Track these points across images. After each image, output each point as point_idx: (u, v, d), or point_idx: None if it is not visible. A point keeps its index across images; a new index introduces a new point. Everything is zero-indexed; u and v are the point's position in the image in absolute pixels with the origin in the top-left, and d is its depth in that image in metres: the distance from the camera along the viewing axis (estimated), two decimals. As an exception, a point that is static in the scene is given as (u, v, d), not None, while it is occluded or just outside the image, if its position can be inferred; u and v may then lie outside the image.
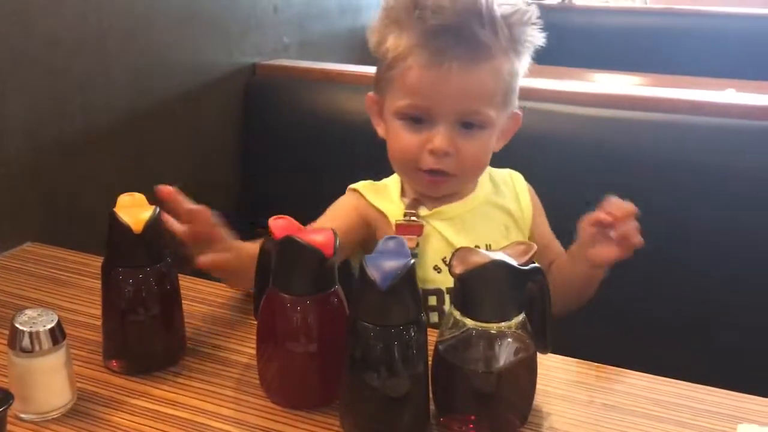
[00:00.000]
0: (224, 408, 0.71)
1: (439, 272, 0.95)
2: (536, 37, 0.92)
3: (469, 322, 0.65)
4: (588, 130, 1.26)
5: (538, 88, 1.30)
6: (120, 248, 0.74)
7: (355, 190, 1.00)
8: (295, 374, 0.71)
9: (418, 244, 0.94)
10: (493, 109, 0.90)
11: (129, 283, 0.74)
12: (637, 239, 0.85)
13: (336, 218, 0.97)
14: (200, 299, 0.90)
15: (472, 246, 0.92)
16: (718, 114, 1.22)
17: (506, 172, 1.04)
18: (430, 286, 0.95)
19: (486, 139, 0.92)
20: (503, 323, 0.65)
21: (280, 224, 0.70)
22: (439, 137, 0.89)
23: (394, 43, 0.89)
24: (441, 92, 0.87)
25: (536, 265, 0.67)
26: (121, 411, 0.71)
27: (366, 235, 0.97)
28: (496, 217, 0.99)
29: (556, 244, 1.01)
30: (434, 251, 0.96)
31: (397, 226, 0.95)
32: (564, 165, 1.23)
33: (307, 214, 1.52)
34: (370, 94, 0.97)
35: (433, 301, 0.95)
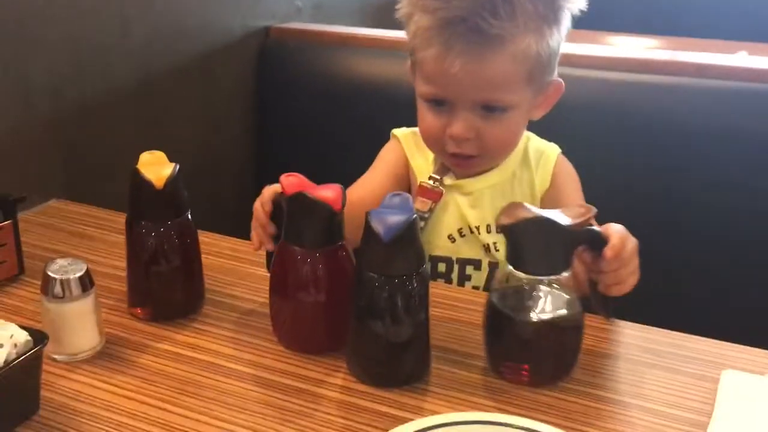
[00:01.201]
0: (241, 351, 0.77)
1: (453, 242, 0.98)
2: (575, 2, 0.89)
3: (518, 274, 0.70)
4: (601, 93, 1.27)
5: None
6: (143, 203, 0.79)
7: (396, 137, 1.04)
8: (305, 322, 0.76)
9: (431, 209, 0.97)
10: (513, 93, 0.88)
11: (151, 236, 0.79)
12: (625, 286, 0.75)
13: (382, 171, 1.02)
14: (218, 253, 0.95)
15: (486, 225, 0.98)
16: (729, 77, 1.23)
17: (542, 146, 1.02)
18: (442, 254, 0.99)
19: (511, 119, 0.91)
20: (549, 277, 0.70)
21: (291, 181, 0.73)
22: (458, 124, 0.89)
23: (414, 28, 0.89)
24: (454, 83, 0.87)
25: (593, 228, 0.69)
26: (146, 353, 0.76)
27: (409, 182, 1.01)
28: (517, 193, 0.98)
29: None
30: (450, 221, 0.98)
31: (420, 186, 0.98)
32: (579, 129, 1.23)
33: (322, 176, 1.56)
34: (409, 62, 0.96)
35: (442, 268, 0.99)
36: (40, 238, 0.99)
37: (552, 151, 1.01)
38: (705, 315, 1.01)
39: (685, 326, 0.81)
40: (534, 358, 0.72)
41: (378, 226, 0.67)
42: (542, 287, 0.72)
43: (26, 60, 1.07)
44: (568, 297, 0.71)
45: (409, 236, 0.68)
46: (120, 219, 0.82)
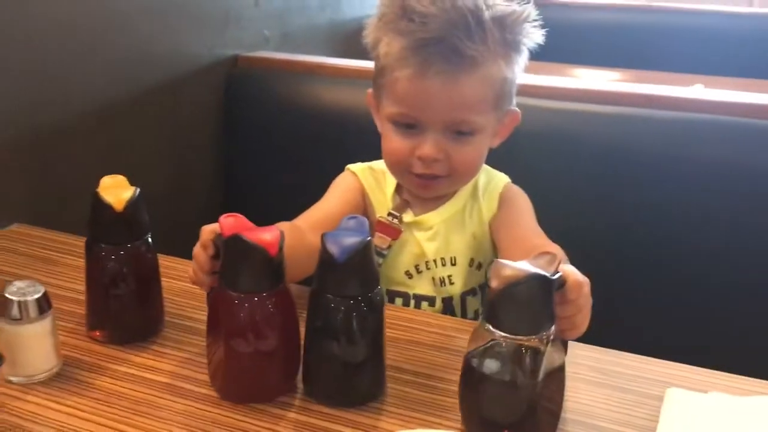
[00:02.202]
0: (198, 373, 0.77)
1: (410, 278, 1.00)
2: (534, 35, 0.92)
3: (501, 335, 0.64)
4: (567, 124, 1.30)
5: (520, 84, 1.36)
6: (102, 226, 0.80)
7: (353, 172, 1.03)
8: (242, 371, 0.72)
9: (390, 246, 0.99)
10: (481, 115, 0.91)
11: (110, 259, 0.80)
12: (580, 329, 0.73)
13: (336, 198, 1.01)
14: (179, 276, 0.96)
15: (440, 258, 0.99)
16: (685, 109, 1.28)
17: (491, 175, 1.03)
18: (400, 289, 1.01)
19: (477, 143, 0.93)
20: (534, 336, 0.64)
21: (229, 222, 0.70)
22: (427, 145, 0.90)
23: (385, 50, 0.91)
24: (426, 104, 0.89)
25: (560, 274, 0.66)
26: (103, 375, 0.77)
27: (365, 214, 1.01)
28: (467, 225, 1.00)
29: (538, 239, 0.93)
30: (408, 257, 1.00)
31: (379, 222, 0.99)
32: (543, 159, 1.27)
33: (288, 204, 1.57)
34: (370, 90, 0.99)
35: (399, 302, 1.00)
36: (1, 262, 0.99)
37: (500, 179, 1.03)
38: (650, 336, 1.04)
39: (631, 347, 0.84)
40: (522, 424, 0.66)
41: (333, 248, 0.69)
42: (531, 347, 0.65)
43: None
44: (553, 352, 0.66)
45: (363, 258, 0.70)
46: (81, 243, 0.83)
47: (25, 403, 0.72)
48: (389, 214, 0.99)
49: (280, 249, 0.69)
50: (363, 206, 1.02)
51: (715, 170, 1.22)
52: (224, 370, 0.73)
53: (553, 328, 0.65)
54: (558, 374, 0.68)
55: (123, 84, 1.30)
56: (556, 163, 1.28)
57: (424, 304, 1.00)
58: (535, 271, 0.64)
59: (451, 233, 0.99)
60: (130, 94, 1.32)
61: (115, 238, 0.80)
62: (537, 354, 0.64)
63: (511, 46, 0.91)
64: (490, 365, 0.66)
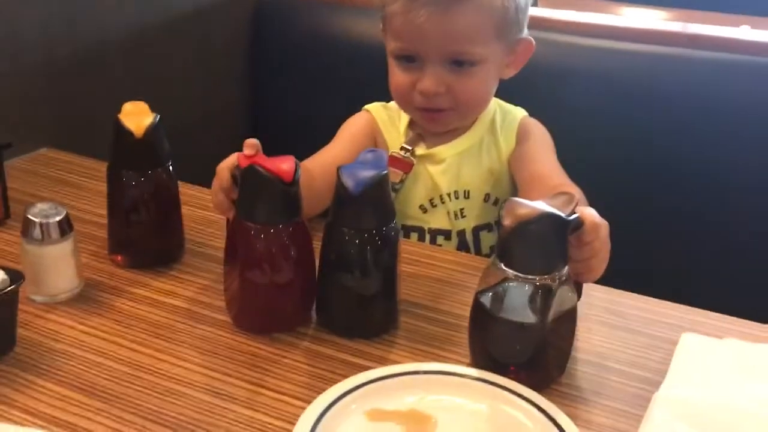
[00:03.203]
0: (216, 300, 0.78)
1: (424, 212, 1.00)
2: None
3: (515, 274, 0.64)
4: (608, 63, 1.26)
5: (559, 19, 1.31)
6: (123, 152, 0.80)
7: (367, 111, 1.03)
8: (257, 302, 0.73)
9: (402, 180, 0.98)
10: (481, 45, 0.89)
11: (131, 185, 0.81)
12: (596, 273, 0.72)
13: (345, 139, 1.01)
14: (200, 205, 0.97)
15: (453, 191, 0.98)
16: (731, 50, 1.23)
17: (511, 109, 1.02)
18: (414, 223, 1.00)
19: (480, 74, 0.91)
20: (547, 275, 0.64)
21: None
22: (427, 79, 0.90)
23: None
24: (420, 37, 0.88)
25: (577, 215, 0.65)
26: (123, 298, 0.79)
27: None
28: (484, 160, 0.99)
29: (558, 179, 0.92)
30: (422, 190, 0.99)
31: (391, 156, 0.98)
32: (582, 98, 1.24)
33: (315, 137, 1.56)
34: (381, 26, 0.97)
35: (414, 237, 1.00)
36: (27, 185, 1.01)
37: (517, 113, 1.02)
38: (671, 281, 1.03)
39: (651, 292, 0.83)
40: (530, 363, 0.67)
41: (348, 180, 0.68)
42: (542, 286, 0.64)
43: (17, 12, 1.08)
44: (565, 294, 0.65)
45: (379, 191, 0.69)
46: (105, 168, 0.84)
47: (47, 322, 0.74)
48: (401, 148, 0.99)
49: (296, 179, 0.69)
50: (373, 144, 1.02)
51: (758, 113, 1.18)
52: (240, 300, 0.74)
53: (566, 269, 0.65)
54: (569, 316, 0.67)
55: (151, 12, 1.30)
56: (594, 103, 1.25)
57: (440, 238, 1.00)
58: (548, 210, 0.63)
59: (465, 166, 0.99)
60: (157, 22, 1.32)
61: (136, 164, 0.81)
62: (548, 294, 0.64)
63: None
64: (500, 304, 0.66)
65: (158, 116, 0.80)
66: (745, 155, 1.19)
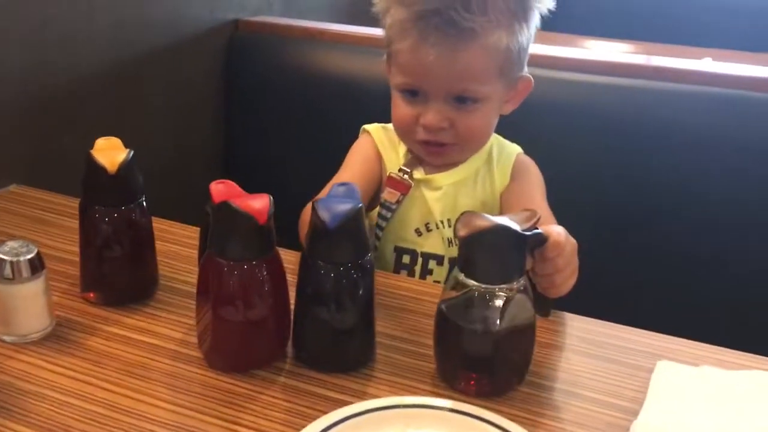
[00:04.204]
0: (190, 336, 0.77)
1: (419, 235, 1.00)
2: (543, 2, 0.93)
3: (472, 284, 0.68)
4: (575, 95, 1.29)
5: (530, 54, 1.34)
6: (96, 188, 0.80)
7: (368, 132, 1.05)
8: (230, 340, 0.72)
9: (399, 201, 0.99)
10: (485, 84, 0.92)
11: (104, 221, 0.80)
12: (563, 288, 0.77)
13: (357, 162, 1.02)
14: (173, 240, 0.96)
15: (447, 218, 0.99)
16: (695, 81, 1.26)
17: (504, 146, 1.04)
18: (408, 246, 1.01)
19: (483, 111, 0.94)
20: (504, 285, 0.68)
21: (219, 189, 0.70)
22: (430, 113, 0.92)
23: (390, 21, 0.92)
24: (427, 75, 0.90)
25: (539, 231, 0.69)
26: (96, 336, 0.77)
27: (381, 175, 1.02)
28: (478, 191, 1.00)
29: (547, 221, 0.90)
30: (418, 214, 1.00)
31: (389, 177, 1.00)
32: (551, 131, 1.27)
33: (288, 171, 1.56)
34: (385, 58, 0.99)
35: (406, 259, 1.01)
36: (-3, 223, 1.00)
37: (512, 149, 1.04)
38: (644, 309, 1.04)
39: (624, 320, 0.84)
40: (486, 369, 0.71)
41: (324, 214, 0.68)
42: (496, 295, 0.68)
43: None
44: (522, 303, 0.69)
45: (354, 224, 0.69)
46: (78, 205, 0.83)
47: (18, 362, 0.72)
48: (400, 169, 1.00)
49: (269, 217, 0.68)
50: (379, 169, 1.03)
51: (723, 144, 1.21)
52: (212, 338, 0.73)
53: (522, 280, 0.68)
54: (527, 325, 0.70)
55: (123, 47, 1.29)
56: (563, 135, 1.28)
57: (432, 262, 1.00)
58: (502, 223, 0.67)
59: (460, 196, 1.00)
60: (130, 57, 1.32)
61: (109, 200, 0.80)
62: (504, 303, 0.68)
63: (516, 15, 0.91)
64: (459, 312, 0.70)
65: (132, 152, 0.80)
66: (711, 184, 1.22)
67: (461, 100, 0.92)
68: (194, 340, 0.76)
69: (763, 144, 1.19)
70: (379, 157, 1.03)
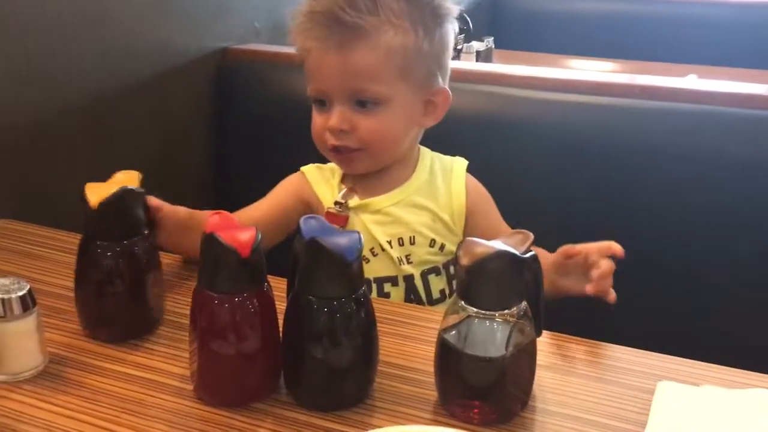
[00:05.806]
0: (187, 370, 0.76)
1: (367, 262, 1.00)
2: (447, 9, 0.96)
3: (474, 311, 0.67)
4: (560, 115, 1.30)
5: (514, 75, 1.36)
6: (96, 222, 0.78)
7: (301, 172, 1.06)
8: (219, 374, 0.71)
9: None
10: (384, 85, 0.93)
11: (106, 256, 0.79)
12: (608, 282, 0.85)
13: (273, 198, 1.05)
14: (181, 275, 0.95)
15: (397, 239, 1.00)
16: (679, 99, 1.27)
17: (450, 160, 1.06)
18: None
19: (385, 115, 0.95)
20: (506, 311, 0.67)
21: (214, 220, 0.70)
22: (333, 116, 0.95)
23: (294, 28, 0.97)
24: (326, 74, 0.94)
25: (533, 252, 0.69)
26: (91, 372, 0.76)
27: (309, 212, 1.02)
28: (424, 208, 1.01)
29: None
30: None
31: (327, 213, 1.01)
32: (535, 151, 1.27)
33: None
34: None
35: None
36: (-13, 259, 0.98)
37: (457, 162, 1.06)
38: (641, 330, 1.04)
39: (623, 341, 0.83)
40: (490, 397, 0.70)
41: (338, 248, 0.66)
42: (499, 321, 0.68)
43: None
44: (524, 328, 0.69)
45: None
46: (67, 238, 0.82)
47: (11, 402, 0.71)
48: (335, 203, 1.01)
49: (254, 250, 0.67)
50: (300, 208, 1.03)
51: (709, 161, 1.21)
52: (201, 371, 0.71)
53: (523, 303, 0.68)
54: (528, 349, 0.70)
55: (111, 78, 1.29)
56: (548, 155, 1.28)
57: (387, 285, 1.01)
58: (504, 249, 0.66)
59: (406, 215, 1.01)
60: (118, 88, 1.31)
61: (107, 235, 0.78)
62: (508, 329, 0.67)
63: (422, 21, 0.93)
64: (462, 341, 0.69)
65: (125, 188, 0.78)
66: (698, 202, 1.22)
67: (362, 103, 0.94)
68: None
69: (748, 161, 1.20)
70: (304, 197, 1.04)
